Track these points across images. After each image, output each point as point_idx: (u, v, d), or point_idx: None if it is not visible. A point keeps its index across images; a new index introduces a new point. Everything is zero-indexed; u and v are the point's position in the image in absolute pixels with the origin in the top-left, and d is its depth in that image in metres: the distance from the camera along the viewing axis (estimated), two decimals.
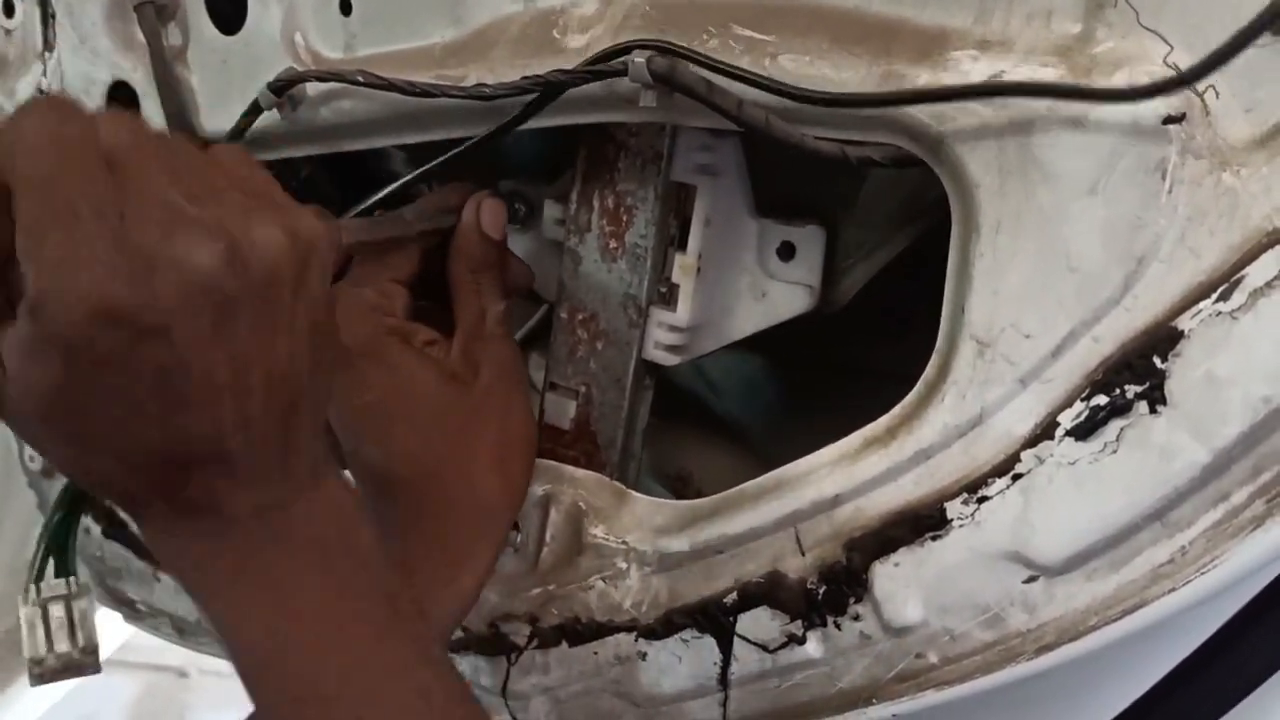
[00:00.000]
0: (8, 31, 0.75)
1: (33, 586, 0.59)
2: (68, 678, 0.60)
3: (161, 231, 0.36)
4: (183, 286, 0.36)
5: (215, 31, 0.65)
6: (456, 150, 0.58)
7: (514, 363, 0.62)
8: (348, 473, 0.57)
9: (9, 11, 0.74)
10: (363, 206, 0.61)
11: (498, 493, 0.59)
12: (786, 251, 0.60)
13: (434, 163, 0.60)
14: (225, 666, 0.88)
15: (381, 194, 0.62)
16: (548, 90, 0.53)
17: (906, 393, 0.51)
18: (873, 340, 0.69)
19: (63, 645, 0.58)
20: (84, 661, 0.59)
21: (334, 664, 0.42)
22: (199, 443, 0.39)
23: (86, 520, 0.82)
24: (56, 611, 0.59)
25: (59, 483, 0.82)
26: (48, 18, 0.72)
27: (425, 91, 0.56)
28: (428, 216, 0.61)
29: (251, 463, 0.40)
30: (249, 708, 0.55)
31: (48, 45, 0.73)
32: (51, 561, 0.60)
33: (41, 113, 0.37)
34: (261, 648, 0.43)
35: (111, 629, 1.17)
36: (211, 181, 0.39)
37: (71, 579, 0.60)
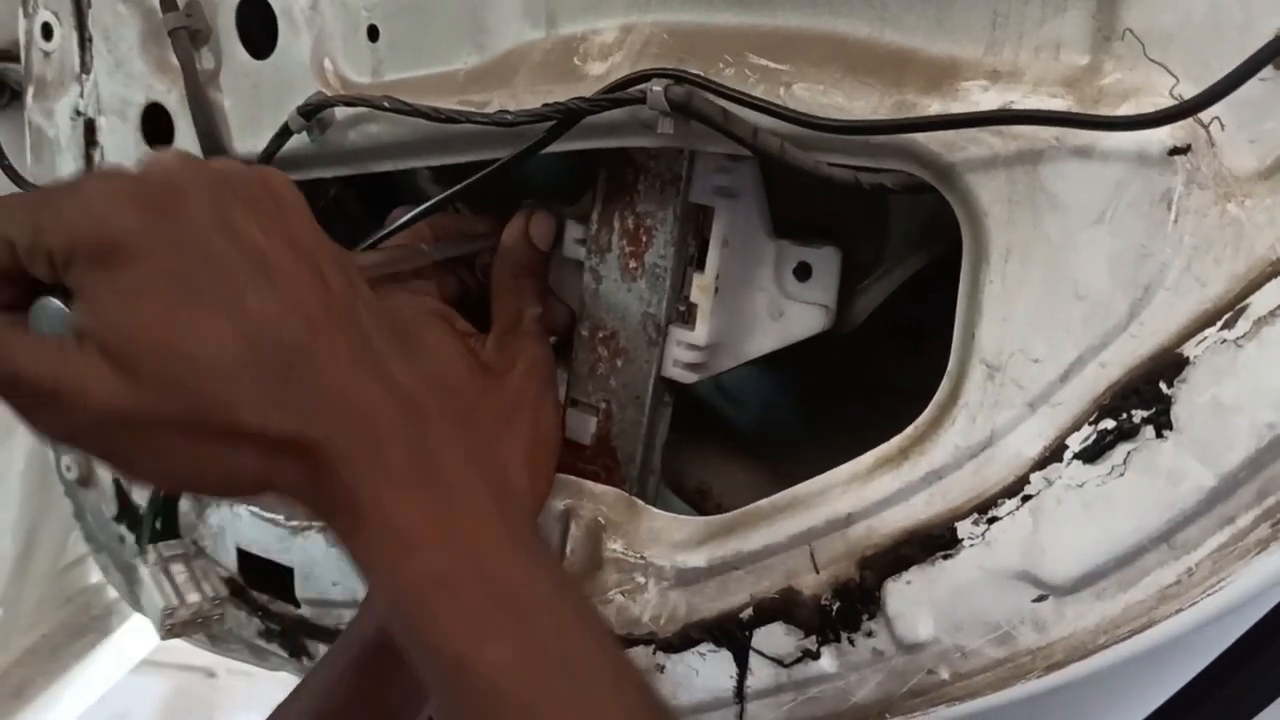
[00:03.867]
0: (46, 54, 0.77)
1: (150, 548, 0.60)
2: (196, 632, 0.62)
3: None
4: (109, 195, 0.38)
5: (247, 56, 0.67)
6: (482, 174, 0.59)
7: (547, 360, 0.64)
8: None
9: (47, 35, 0.76)
10: (375, 239, 0.62)
11: (526, 490, 0.60)
12: (803, 272, 0.61)
13: (459, 186, 0.60)
14: (253, 667, 0.90)
15: (395, 226, 0.62)
16: (567, 118, 0.54)
17: (922, 409, 0.52)
18: (888, 358, 0.70)
19: (193, 596, 0.60)
20: (213, 612, 0.61)
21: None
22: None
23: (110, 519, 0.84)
24: (178, 569, 0.60)
25: (94, 491, 0.84)
26: (85, 41, 0.75)
27: (449, 117, 0.57)
28: (448, 245, 0.62)
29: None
30: (274, 707, 0.57)
31: (85, 68, 0.75)
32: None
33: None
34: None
35: (144, 630, 1.19)
36: None
37: (188, 540, 0.61)
